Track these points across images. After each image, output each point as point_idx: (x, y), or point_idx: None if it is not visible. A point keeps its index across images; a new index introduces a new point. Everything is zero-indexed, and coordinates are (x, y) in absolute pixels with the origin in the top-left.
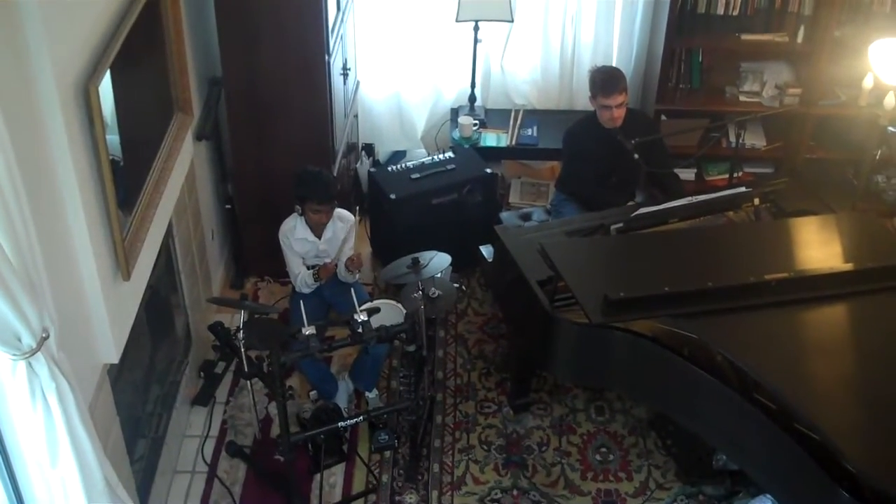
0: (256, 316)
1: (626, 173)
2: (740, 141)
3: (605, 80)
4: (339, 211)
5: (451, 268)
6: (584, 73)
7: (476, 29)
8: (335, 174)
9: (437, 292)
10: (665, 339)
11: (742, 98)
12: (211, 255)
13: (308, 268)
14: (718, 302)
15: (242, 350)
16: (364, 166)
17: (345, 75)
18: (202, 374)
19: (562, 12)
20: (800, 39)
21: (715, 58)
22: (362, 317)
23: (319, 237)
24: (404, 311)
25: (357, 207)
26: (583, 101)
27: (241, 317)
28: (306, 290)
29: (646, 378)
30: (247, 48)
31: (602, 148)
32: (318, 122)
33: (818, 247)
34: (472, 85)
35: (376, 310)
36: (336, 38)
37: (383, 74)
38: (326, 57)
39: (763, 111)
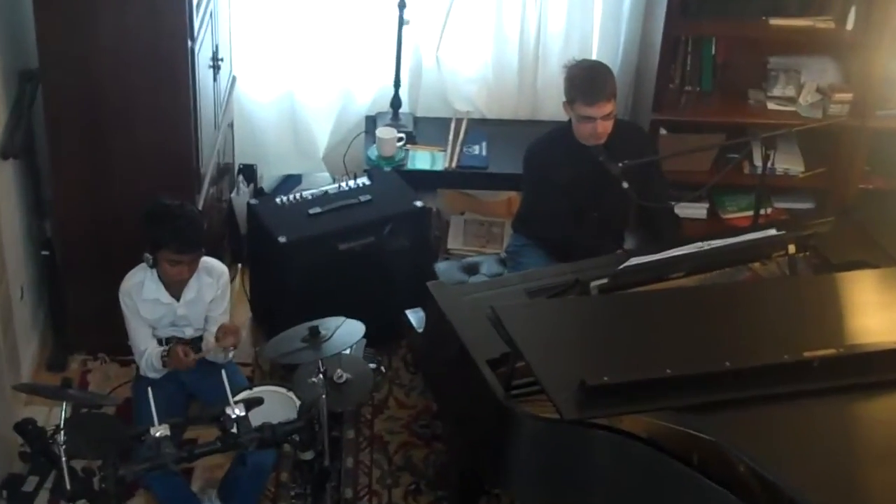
0: (84, 410)
1: (612, 208)
2: (769, 165)
3: (589, 81)
4: (207, 261)
5: (364, 341)
6: (553, 69)
7: (401, 6)
8: (200, 208)
9: (344, 376)
10: (666, 441)
11: (771, 106)
12: (20, 322)
13: (160, 342)
14: (739, 389)
15: (63, 459)
16: (242, 196)
17: (215, 68)
18: (5, 492)
19: None
20: (850, 26)
21: (734, 50)
22: (237, 411)
23: (178, 298)
24: (298, 403)
25: (231, 255)
26: (551, 107)
27: (63, 411)
28: (155, 375)
29: (638, 495)
30: (74, 27)
31: (578, 173)
32: (176, 133)
33: (876, 312)
34: (396, 84)
35: (258, 401)
36: (203, 16)
37: (270, 68)
38: (189, 42)
39: (800, 124)
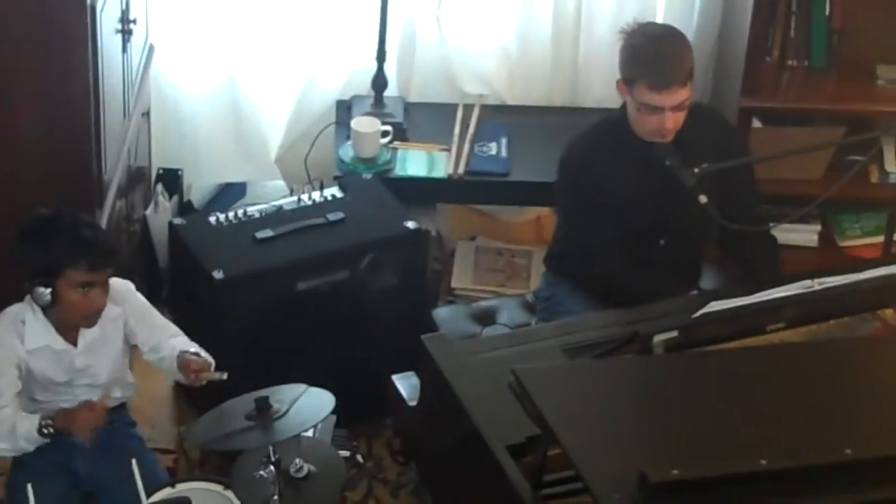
0: None
1: (684, 233)
2: None
3: (660, 57)
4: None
5: (334, 419)
6: (601, 38)
7: None
8: (103, 226)
9: (305, 468)
10: None
11: None
12: None
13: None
14: (865, 489)
15: None
16: (162, 214)
17: (125, 34)
18: None
19: None
20: None
21: (857, 9)
22: None
23: (75, 342)
24: None
25: (145, 295)
26: (597, 91)
27: None
28: (2, 448)
29: None
30: None
31: (637, 183)
32: (69, 124)
33: None
34: (380, 58)
35: (183, 503)
36: None
37: (201, 35)
38: None
39: None
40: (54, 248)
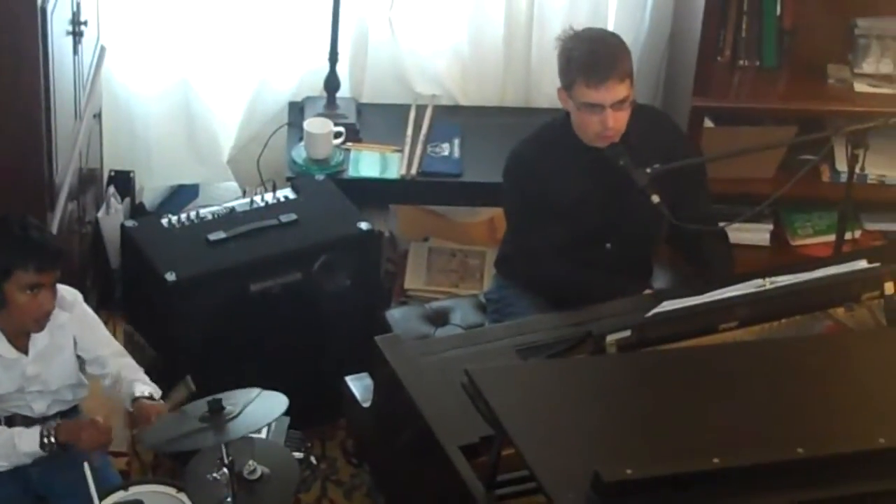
0: None
1: (634, 235)
2: (858, 170)
3: (592, 56)
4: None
5: (287, 420)
6: (552, 37)
7: None
8: (55, 231)
9: (259, 470)
10: None
11: (860, 87)
12: None
13: (9, 422)
14: (815, 487)
15: None
16: (113, 216)
17: (76, 35)
18: None
19: None
20: None
21: (807, 9)
22: None
23: (26, 350)
24: None
25: (98, 299)
26: (550, 90)
27: None
28: (22, 462)
29: None
30: None
31: (584, 184)
32: (19, 125)
33: None
34: (333, 59)
35: None
36: None
37: (153, 36)
38: None
39: None
40: (2, 251)
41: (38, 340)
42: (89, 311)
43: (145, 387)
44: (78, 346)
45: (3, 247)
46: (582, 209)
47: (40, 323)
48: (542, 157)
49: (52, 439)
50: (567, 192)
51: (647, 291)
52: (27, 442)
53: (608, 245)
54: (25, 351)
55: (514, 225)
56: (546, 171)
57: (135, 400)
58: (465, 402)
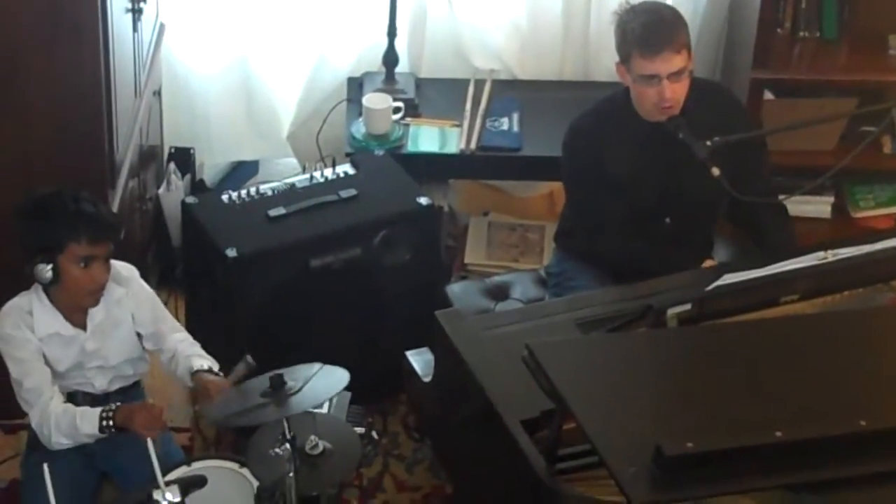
0: None
1: (693, 209)
2: None
3: (647, 28)
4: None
5: (348, 396)
6: (611, 10)
7: None
8: (116, 208)
9: (321, 445)
10: None
11: None
12: None
13: (70, 399)
14: (882, 460)
15: None
16: (174, 193)
17: (135, 12)
18: None
19: None
20: None
21: None
22: (170, 496)
23: (83, 325)
24: (255, 485)
25: (159, 275)
26: (609, 65)
27: None
28: (63, 444)
29: None
30: None
31: (643, 160)
32: (80, 103)
33: None
34: (391, 34)
35: (199, 482)
36: None
37: (212, 15)
38: None
39: None
40: (55, 223)
41: (94, 316)
42: (146, 286)
43: (203, 360)
44: (135, 322)
45: (56, 220)
46: (641, 184)
47: (95, 296)
48: (601, 132)
49: (111, 422)
50: (626, 167)
51: (709, 262)
52: (88, 423)
53: (667, 220)
54: (83, 327)
55: (574, 199)
56: (605, 145)
57: (194, 374)
58: (526, 377)
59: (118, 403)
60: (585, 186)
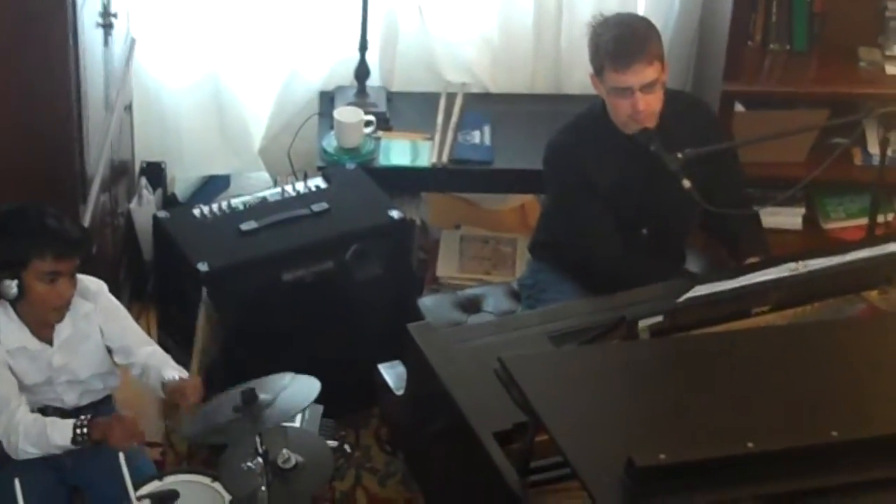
0: None
1: (668, 220)
2: (889, 153)
3: (619, 40)
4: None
5: (321, 409)
6: (582, 23)
7: None
8: (87, 223)
9: (293, 459)
10: None
11: (891, 69)
12: None
13: (41, 413)
14: (852, 471)
15: None
16: (146, 207)
17: (106, 27)
18: None
19: None
20: None
21: None
22: None
23: (51, 341)
24: (227, 499)
25: (130, 290)
26: (581, 77)
27: None
28: (30, 453)
29: None
30: None
31: (622, 172)
32: (50, 118)
33: None
34: (362, 47)
35: (171, 496)
36: None
37: (183, 27)
38: None
39: None
40: (18, 239)
41: (61, 331)
42: (114, 300)
43: (174, 371)
44: (104, 336)
45: (20, 235)
46: (619, 196)
47: (61, 312)
48: (580, 146)
49: (85, 435)
50: (605, 179)
51: (680, 277)
52: (60, 434)
53: (644, 231)
54: (50, 342)
55: (566, 212)
56: (585, 158)
57: (165, 384)
58: (498, 389)
59: (90, 416)
60: (577, 199)
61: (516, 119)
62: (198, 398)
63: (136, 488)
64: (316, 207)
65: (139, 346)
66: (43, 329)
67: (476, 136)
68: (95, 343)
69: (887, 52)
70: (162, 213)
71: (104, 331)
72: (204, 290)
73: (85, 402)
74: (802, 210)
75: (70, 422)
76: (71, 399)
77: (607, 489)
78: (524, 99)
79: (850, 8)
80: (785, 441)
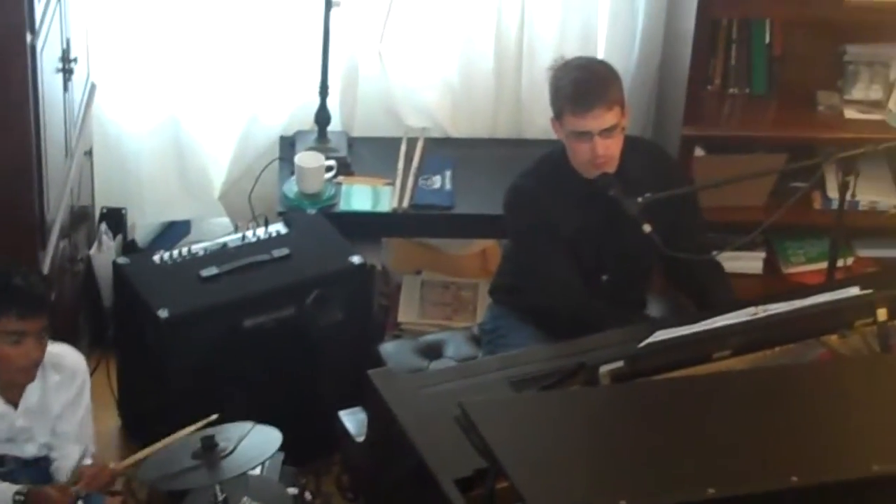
0: None
1: (632, 265)
2: (849, 197)
3: (578, 84)
4: (53, 351)
5: (281, 456)
6: (543, 68)
7: None
8: (46, 270)
9: None
10: None
11: (850, 114)
12: None
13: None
14: None
15: None
16: (106, 253)
17: (66, 72)
18: None
19: None
20: None
21: (797, 37)
22: None
23: (15, 403)
24: None
25: (90, 337)
26: (541, 122)
27: None
28: None
29: None
30: None
31: (582, 217)
32: (9, 164)
33: None
34: (323, 92)
35: None
36: (48, 1)
37: (143, 73)
38: (29, 36)
39: (891, 139)
40: None
41: (29, 396)
42: (86, 384)
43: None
44: (60, 416)
45: None
46: (580, 241)
47: (29, 373)
48: (541, 190)
49: None
50: (566, 224)
51: (640, 322)
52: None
53: (605, 276)
54: (15, 404)
55: (526, 258)
56: (545, 203)
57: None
58: (459, 436)
59: (29, 487)
60: (538, 243)
61: (477, 164)
62: (98, 485)
63: None
64: (277, 253)
65: (73, 441)
66: (10, 390)
67: (437, 181)
68: (54, 413)
69: (846, 97)
70: (122, 260)
71: (63, 413)
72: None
73: (44, 453)
74: (762, 254)
75: (11, 489)
76: (31, 451)
77: None
78: (485, 143)
79: (809, 52)
80: (745, 486)
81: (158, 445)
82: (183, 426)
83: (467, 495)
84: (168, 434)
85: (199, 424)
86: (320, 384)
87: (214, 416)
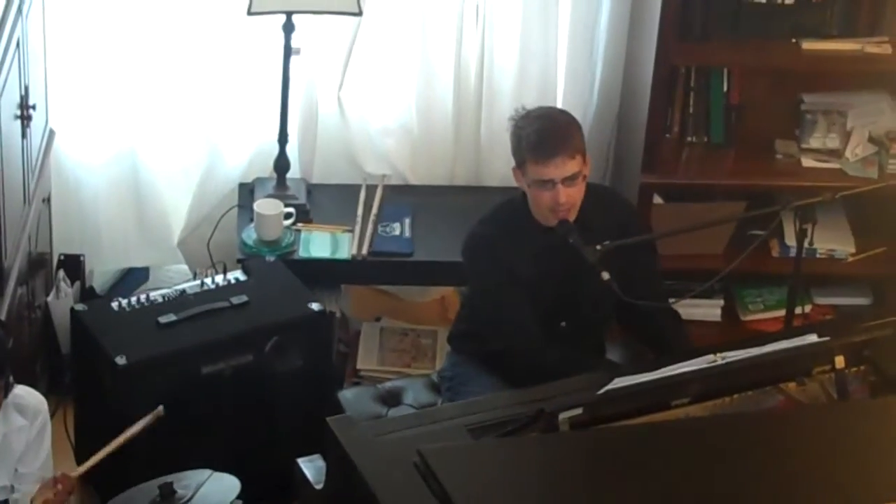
0: None
1: (590, 311)
2: (807, 245)
3: (540, 133)
4: (18, 391)
5: (241, 503)
6: (502, 115)
7: (288, 30)
8: (3, 317)
9: None
10: None
11: (807, 162)
12: None
13: None
14: None
15: None
16: (63, 300)
17: (24, 119)
18: None
19: (457, 4)
20: None
21: (754, 86)
22: None
23: None
24: None
25: (47, 384)
26: (500, 169)
27: None
28: None
29: None
30: None
31: (541, 265)
32: None
33: None
34: (282, 140)
35: None
36: (7, 46)
37: (102, 120)
38: None
39: (848, 188)
40: None
41: None
42: (46, 424)
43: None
44: (20, 458)
45: None
46: (538, 288)
47: None
48: (499, 237)
49: None
50: (524, 271)
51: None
52: None
53: (563, 323)
54: None
55: (485, 304)
56: (504, 250)
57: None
58: (419, 482)
59: None
60: (497, 290)
61: (436, 211)
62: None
63: None
64: (235, 300)
65: (35, 482)
66: None
67: (396, 228)
68: (15, 456)
69: (803, 145)
70: (80, 306)
71: (23, 455)
72: (160, 407)
73: (4, 496)
74: (721, 302)
75: None
76: None
77: None
78: (444, 191)
79: (766, 101)
80: None
81: (111, 447)
82: (141, 474)
83: None
84: (125, 479)
85: (147, 420)
86: (279, 431)
87: (160, 408)
